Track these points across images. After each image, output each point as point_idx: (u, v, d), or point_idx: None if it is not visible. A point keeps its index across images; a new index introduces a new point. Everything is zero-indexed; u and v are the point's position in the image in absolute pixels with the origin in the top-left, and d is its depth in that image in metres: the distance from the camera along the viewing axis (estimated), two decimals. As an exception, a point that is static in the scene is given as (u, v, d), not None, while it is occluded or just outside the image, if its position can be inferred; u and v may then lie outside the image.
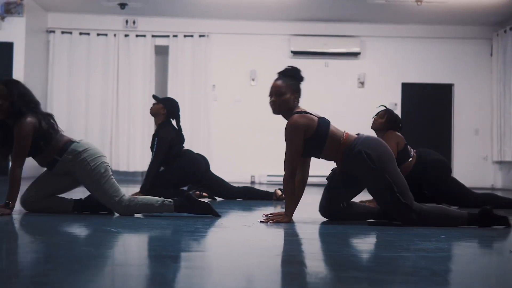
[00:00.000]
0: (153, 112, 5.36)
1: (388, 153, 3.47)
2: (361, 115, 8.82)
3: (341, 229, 3.31)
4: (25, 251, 2.46)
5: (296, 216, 3.61)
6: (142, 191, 5.06)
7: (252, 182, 9.69)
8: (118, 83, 9.97)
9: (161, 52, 10.17)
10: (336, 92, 10.01)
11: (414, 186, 4.92)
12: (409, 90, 10.13)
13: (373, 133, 4.73)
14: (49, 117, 3.72)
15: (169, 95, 9.74)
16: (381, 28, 10.07)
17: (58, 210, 3.80)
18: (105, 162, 3.72)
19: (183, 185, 5.45)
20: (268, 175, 9.70)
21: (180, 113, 5.46)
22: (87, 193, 3.88)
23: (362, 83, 10.10)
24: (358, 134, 3.57)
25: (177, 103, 5.44)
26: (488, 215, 3.40)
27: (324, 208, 3.68)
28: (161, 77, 10.26)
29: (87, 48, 9.94)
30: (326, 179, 3.72)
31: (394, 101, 9.97)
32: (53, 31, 9.91)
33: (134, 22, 9.99)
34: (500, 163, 9.93)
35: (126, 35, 10.01)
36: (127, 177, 9.86)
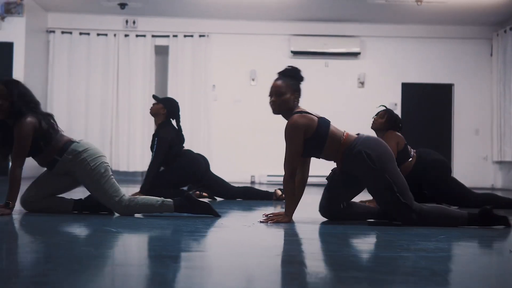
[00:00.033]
0: (153, 112, 5.36)
1: (388, 153, 3.47)
2: (361, 115, 8.82)
3: (341, 229, 3.31)
4: (25, 251, 2.46)
5: (296, 216, 3.61)
6: (142, 191, 5.06)
7: (252, 182, 9.69)
8: (118, 83, 9.97)
9: (161, 52, 10.17)
10: (336, 92, 10.01)
11: (414, 186, 4.92)
12: (409, 90, 10.13)
13: (373, 133, 4.73)
14: (49, 117, 3.73)
15: (169, 95, 9.74)
16: (381, 28, 10.07)
17: (58, 210, 3.80)
18: (105, 162, 3.72)
19: (183, 185, 5.45)
20: (268, 175, 9.70)
21: (180, 113, 5.46)
22: (87, 193, 3.89)
23: (362, 83, 10.10)
24: (358, 134, 3.57)
25: (177, 103, 5.44)
26: (488, 215, 3.40)
27: (324, 208, 3.68)
28: (161, 77, 10.27)
29: (87, 48, 9.94)
30: (326, 179, 3.72)
31: (394, 101, 9.97)
32: (53, 31, 9.91)
33: (134, 22, 9.99)
34: (500, 163, 9.93)
35: (126, 35, 10.01)
36: (127, 177, 9.86)
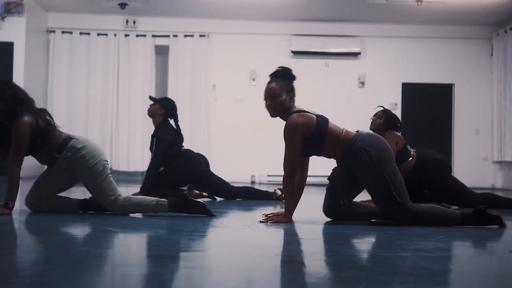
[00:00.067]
0: (151, 113, 5.37)
1: (387, 151, 3.46)
2: (361, 115, 8.80)
3: (341, 229, 3.31)
4: (24, 251, 2.46)
5: (295, 216, 3.61)
6: (142, 192, 5.07)
7: (252, 182, 9.69)
8: (118, 83, 9.97)
9: (161, 52, 10.17)
10: (337, 92, 10.00)
11: (414, 186, 4.93)
12: (410, 90, 10.13)
13: (373, 133, 4.72)
14: (44, 113, 3.71)
15: (169, 95, 9.75)
16: (381, 28, 10.07)
17: (64, 210, 3.80)
18: (104, 160, 3.71)
19: (183, 185, 5.45)
20: (268, 175, 9.69)
21: (178, 112, 5.46)
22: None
23: (363, 83, 10.10)
24: (357, 131, 3.56)
25: (174, 102, 5.45)
26: (482, 214, 3.40)
27: (327, 208, 3.68)
28: (161, 77, 10.27)
29: (87, 48, 9.94)
30: (327, 179, 3.71)
31: (394, 101, 9.97)
32: (53, 31, 9.91)
33: (134, 22, 9.99)
34: (500, 163, 9.92)
35: (126, 35, 10.02)
36: (127, 177, 9.86)
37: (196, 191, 5.48)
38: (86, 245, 2.69)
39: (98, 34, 9.97)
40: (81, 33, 9.95)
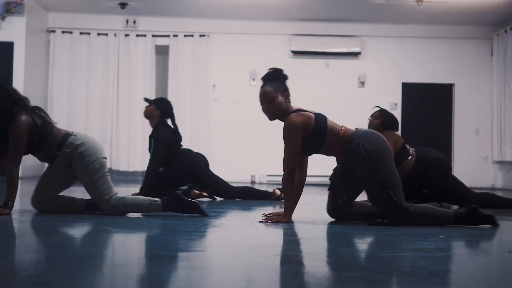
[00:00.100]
0: (147, 114, 5.38)
1: (386, 149, 3.45)
2: (361, 115, 8.77)
3: (341, 229, 3.31)
4: (24, 250, 2.46)
5: (295, 216, 3.61)
6: (142, 192, 5.06)
7: (252, 182, 9.69)
8: (118, 83, 9.96)
9: (162, 52, 10.17)
10: (337, 92, 10.00)
11: (414, 185, 4.93)
12: (410, 90, 10.13)
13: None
14: (39, 111, 3.71)
15: (169, 95, 9.75)
16: (381, 28, 10.07)
17: (71, 210, 3.81)
18: (102, 157, 3.70)
19: (183, 184, 5.45)
20: (268, 175, 9.69)
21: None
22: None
23: (363, 83, 10.10)
24: (356, 129, 3.56)
25: (169, 102, 5.47)
26: (474, 214, 3.40)
27: (330, 209, 3.67)
28: (161, 77, 10.26)
29: (88, 48, 9.94)
30: (329, 179, 3.71)
31: (394, 101, 9.97)
32: (54, 31, 9.90)
33: (134, 22, 9.99)
34: (500, 163, 9.92)
35: (126, 35, 10.01)
36: (127, 177, 9.86)
37: (196, 191, 5.48)
38: (85, 245, 2.69)
39: (98, 34, 9.97)
40: (81, 33, 9.95)
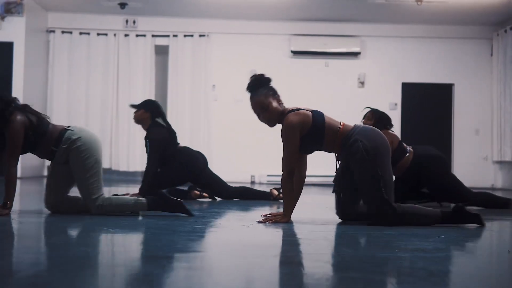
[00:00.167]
0: (138, 119, 5.39)
1: (384, 146, 3.45)
2: (361, 115, 8.77)
3: (340, 230, 3.31)
4: (23, 251, 2.46)
5: (294, 216, 3.60)
6: (141, 193, 5.06)
7: (252, 182, 9.69)
8: (118, 83, 9.96)
9: (161, 52, 10.17)
10: (336, 92, 10.00)
11: (413, 183, 4.93)
12: (409, 90, 10.13)
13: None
14: (29, 108, 3.70)
15: (169, 95, 9.76)
16: (381, 28, 10.07)
17: (83, 211, 3.81)
18: (96, 155, 3.69)
19: (182, 183, 5.44)
20: (268, 175, 9.69)
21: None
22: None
23: (362, 83, 10.10)
24: (355, 125, 3.56)
25: (156, 101, 5.53)
26: (461, 212, 3.40)
27: (338, 210, 3.67)
28: (161, 77, 10.26)
29: (87, 48, 9.94)
30: (333, 181, 3.70)
31: (394, 101, 9.97)
32: (53, 31, 9.90)
33: (134, 22, 9.99)
34: (500, 163, 9.92)
35: (126, 35, 10.01)
36: (127, 177, 9.85)
37: (197, 192, 5.48)
38: (84, 245, 2.68)
39: (98, 34, 9.97)
40: (81, 33, 9.95)
